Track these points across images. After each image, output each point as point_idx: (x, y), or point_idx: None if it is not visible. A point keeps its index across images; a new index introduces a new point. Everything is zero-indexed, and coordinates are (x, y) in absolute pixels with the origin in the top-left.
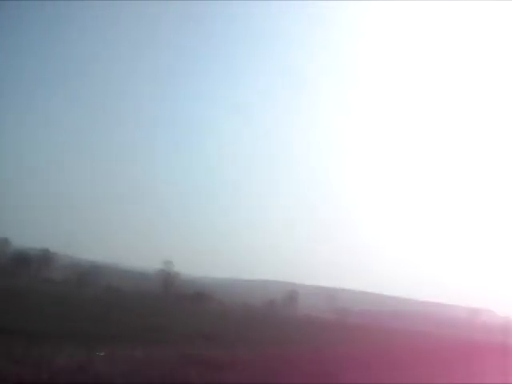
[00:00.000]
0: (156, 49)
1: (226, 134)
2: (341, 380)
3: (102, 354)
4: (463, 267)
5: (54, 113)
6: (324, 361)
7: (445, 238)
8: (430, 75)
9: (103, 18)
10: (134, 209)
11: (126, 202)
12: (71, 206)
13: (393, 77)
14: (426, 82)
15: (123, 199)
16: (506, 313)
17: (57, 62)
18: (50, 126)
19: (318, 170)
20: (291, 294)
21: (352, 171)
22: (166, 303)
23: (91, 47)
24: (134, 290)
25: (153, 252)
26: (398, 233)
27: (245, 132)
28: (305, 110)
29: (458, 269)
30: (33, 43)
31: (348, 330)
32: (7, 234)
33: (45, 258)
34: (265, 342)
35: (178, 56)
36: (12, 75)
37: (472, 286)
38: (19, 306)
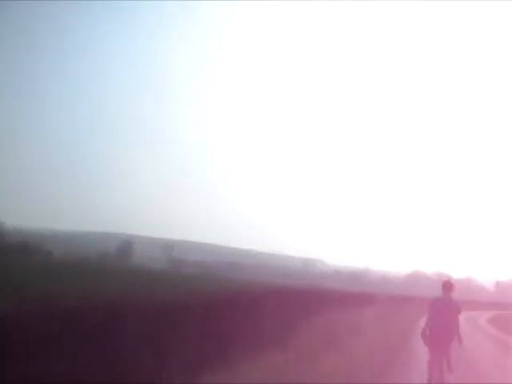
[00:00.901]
0: None
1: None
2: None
3: None
4: (298, 219)
5: None
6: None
7: (280, 189)
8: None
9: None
10: None
11: None
12: None
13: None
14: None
15: None
16: (337, 262)
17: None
18: None
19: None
20: (125, 245)
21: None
22: None
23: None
24: None
25: None
26: (235, 184)
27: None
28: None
29: (293, 220)
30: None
31: (181, 280)
32: None
33: None
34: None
35: None
36: None
37: (305, 236)
38: None
